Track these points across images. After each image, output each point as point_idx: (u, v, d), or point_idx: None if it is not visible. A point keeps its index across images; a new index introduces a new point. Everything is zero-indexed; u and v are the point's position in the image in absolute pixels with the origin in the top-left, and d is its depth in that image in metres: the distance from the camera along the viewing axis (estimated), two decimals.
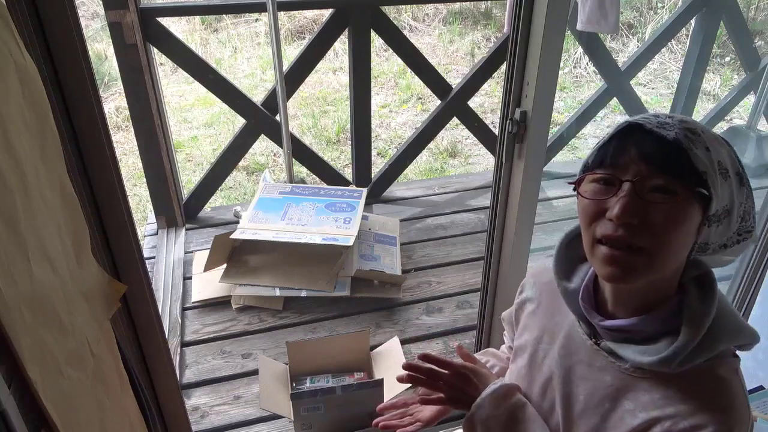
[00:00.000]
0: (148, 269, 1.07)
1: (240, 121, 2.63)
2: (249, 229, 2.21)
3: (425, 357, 0.88)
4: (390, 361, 1.86)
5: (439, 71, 2.81)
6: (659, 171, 0.66)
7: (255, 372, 1.90)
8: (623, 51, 4.97)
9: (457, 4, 5.51)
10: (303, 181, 2.96)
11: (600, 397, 0.75)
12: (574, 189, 0.73)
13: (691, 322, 0.69)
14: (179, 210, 2.62)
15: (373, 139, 2.99)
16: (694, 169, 0.65)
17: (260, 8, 2.34)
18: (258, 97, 2.67)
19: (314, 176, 2.92)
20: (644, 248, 0.67)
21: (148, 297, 1.13)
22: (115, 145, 1.04)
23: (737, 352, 0.75)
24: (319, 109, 4.36)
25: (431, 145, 3.14)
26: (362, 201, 2.41)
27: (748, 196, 0.71)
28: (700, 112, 3.61)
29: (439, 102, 2.85)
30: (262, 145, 3.69)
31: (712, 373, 0.70)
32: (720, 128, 3.58)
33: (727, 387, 0.69)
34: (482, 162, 3.84)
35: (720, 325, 0.70)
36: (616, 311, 0.76)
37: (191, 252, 2.47)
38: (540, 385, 0.85)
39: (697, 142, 0.66)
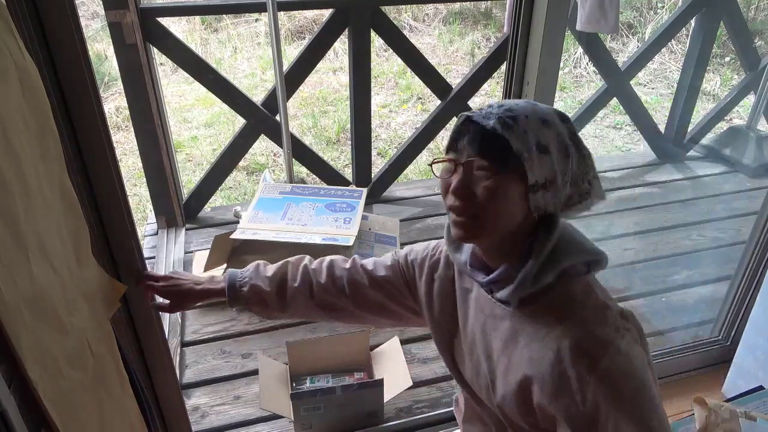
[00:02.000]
0: (149, 269, 1.07)
1: (240, 121, 2.63)
2: (249, 229, 2.21)
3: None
4: (390, 361, 1.86)
5: (439, 71, 2.81)
6: (481, 154, 0.82)
7: (255, 372, 1.90)
8: (623, 51, 4.97)
9: (457, 4, 5.51)
10: (303, 181, 2.96)
11: (505, 341, 0.89)
12: (431, 168, 0.90)
13: (534, 252, 0.84)
14: (179, 210, 2.62)
15: (373, 139, 3.00)
16: (511, 150, 0.79)
17: (260, 8, 2.35)
18: (258, 97, 2.67)
19: (314, 176, 2.92)
20: (477, 215, 0.83)
21: (147, 297, 1.13)
22: (115, 145, 1.04)
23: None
24: (319, 109, 4.36)
25: (431, 145, 3.14)
26: (362, 201, 2.41)
27: (579, 164, 0.85)
28: (700, 112, 3.61)
29: (439, 102, 2.85)
30: (262, 145, 3.70)
31: (565, 293, 0.84)
32: (720, 128, 3.58)
33: (580, 300, 0.84)
34: None
35: (561, 249, 0.84)
36: (493, 266, 0.90)
37: (191, 252, 2.47)
38: (468, 347, 0.99)
39: (515, 127, 0.80)
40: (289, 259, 1.16)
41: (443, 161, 0.87)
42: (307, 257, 1.17)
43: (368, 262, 1.13)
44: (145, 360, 1.22)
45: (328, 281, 1.11)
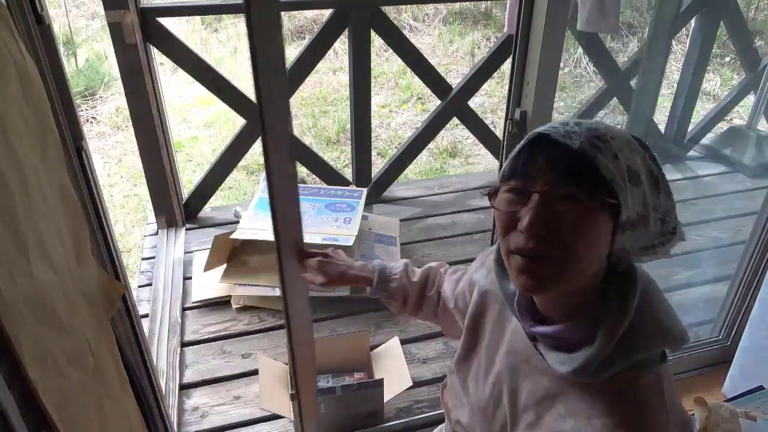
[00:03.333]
0: (148, 269, 1.07)
1: (240, 121, 2.63)
2: (249, 229, 2.21)
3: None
4: (390, 361, 1.86)
5: (439, 71, 2.80)
6: (565, 180, 0.66)
7: (255, 372, 1.90)
8: (623, 51, 4.97)
9: (457, 4, 5.50)
10: (303, 181, 2.96)
11: (538, 397, 0.77)
12: (490, 200, 0.73)
13: (605, 329, 0.68)
14: (179, 210, 2.62)
15: (373, 139, 2.99)
16: (601, 177, 0.64)
17: None
18: None
19: (314, 176, 2.92)
20: (554, 257, 0.67)
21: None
22: (115, 145, 1.04)
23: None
24: (319, 109, 4.36)
25: (431, 145, 3.14)
26: (362, 201, 2.41)
27: (667, 199, 0.71)
28: (700, 112, 3.61)
29: (439, 102, 2.85)
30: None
31: (630, 385, 0.69)
32: (720, 128, 3.58)
33: (643, 402, 0.69)
34: (482, 162, 3.84)
35: (639, 331, 0.69)
36: (547, 316, 0.76)
37: (191, 252, 2.47)
38: (493, 377, 0.87)
39: (605, 149, 0.65)
40: (432, 264, 1.13)
41: (509, 188, 0.71)
42: (446, 266, 1.13)
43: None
44: (145, 360, 1.22)
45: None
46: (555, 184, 0.66)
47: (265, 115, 0.76)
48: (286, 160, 0.90)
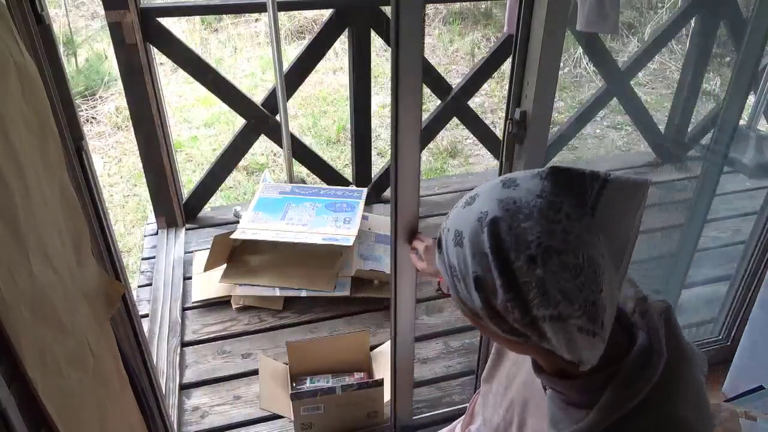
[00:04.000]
0: (148, 269, 1.07)
1: (240, 121, 2.63)
2: (249, 229, 2.21)
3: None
4: (390, 361, 1.86)
5: (439, 71, 2.80)
6: None
7: (255, 372, 1.90)
8: (623, 51, 4.96)
9: (457, 4, 5.50)
10: (303, 181, 2.96)
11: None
12: None
13: (600, 409, 0.63)
14: (179, 210, 2.62)
15: (373, 139, 2.99)
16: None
17: (260, 8, 2.34)
18: (258, 97, 2.67)
19: (314, 176, 2.92)
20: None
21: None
22: (115, 145, 1.04)
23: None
24: (319, 109, 4.36)
25: (431, 145, 3.14)
26: (362, 201, 2.41)
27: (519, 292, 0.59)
28: (700, 112, 3.61)
29: (439, 102, 2.84)
30: (262, 145, 3.69)
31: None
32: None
33: None
34: (482, 162, 3.84)
35: (640, 418, 0.63)
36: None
37: (191, 252, 2.47)
38: (507, 402, 0.86)
39: (443, 258, 0.68)
40: None
41: None
42: None
43: None
44: (145, 360, 1.22)
45: None
46: None
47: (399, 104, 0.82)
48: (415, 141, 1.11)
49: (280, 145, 2.59)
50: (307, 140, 3.91)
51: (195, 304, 2.20)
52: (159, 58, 2.49)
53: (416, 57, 1.06)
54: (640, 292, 0.74)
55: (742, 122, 3.71)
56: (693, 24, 3.17)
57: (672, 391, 0.65)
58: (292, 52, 4.59)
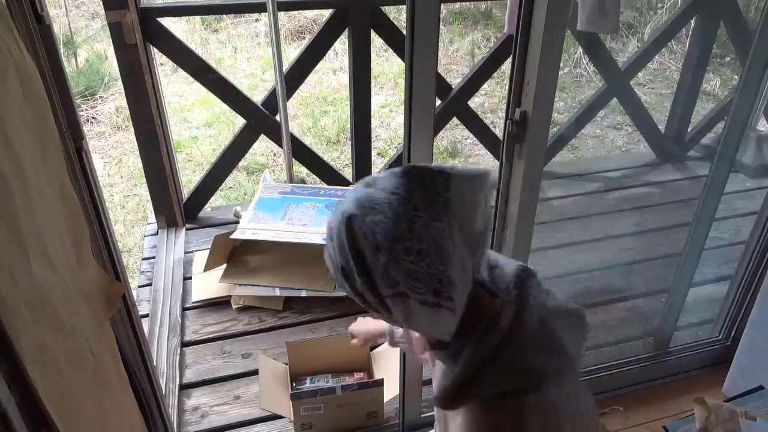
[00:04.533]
0: (148, 269, 1.07)
1: (240, 121, 2.63)
2: (249, 229, 2.21)
3: None
4: (390, 362, 1.86)
5: (439, 71, 2.80)
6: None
7: (255, 372, 1.90)
8: (623, 51, 4.96)
9: (457, 4, 5.50)
10: (303, 181, 2.96)
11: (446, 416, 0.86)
12: None
13: (461, 364, 0.74)
14: (179, 210, 2.62)
15: (373, 139, 2.99)
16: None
17: (260, 8, 2.34)
18: (258, 97, 2.67)
19: (314, 176, 2.92)
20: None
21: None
22: (115, 145, 1.05)
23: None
24: (319, 109, 4.36)
25: None
26: None
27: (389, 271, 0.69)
28: (700, 112, 3.61)
29: (439, 102, 2.85)
30: (262, 145, 3.69)
31: (480, 415, 0.75)
32: (720, 128, 3.58)
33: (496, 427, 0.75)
34: (482, 162, 3.84)
35: (494, 368, 0.73)
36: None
37: (191, 252, 2.47)
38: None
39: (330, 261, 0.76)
40: None
41: None
42: None
43: None
44: (145, 360, 1.22)
45: None
46: None
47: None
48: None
49: (280, 145, 2.59)
50: (307, 140, 3.91)
51: (195, 304, 2.20)
52: (159, 58, 2.49)
53: (430, 58, 1.12)
54: (521, 266, 0.83)
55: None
56: (693, 24, 3.17)
57: (520, 343, 0.75)
58: (292, 52, 4.59)
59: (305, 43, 2.68)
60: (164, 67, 4.46)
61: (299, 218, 2.28)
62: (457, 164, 0.72)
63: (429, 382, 1.88)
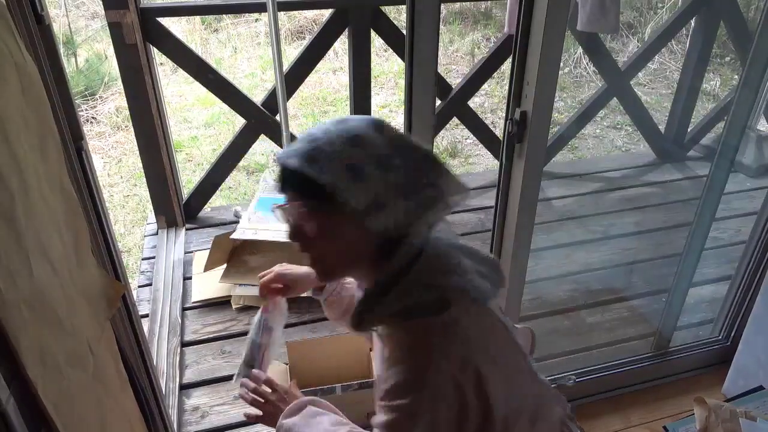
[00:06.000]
0: (148, 269, 1.07)
1: (240, 121, 2.63)
2: (249, 229, 2.21)
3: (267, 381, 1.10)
4: None
5: (439, 71, 2.80)
6: (292, 196, 0.81)
7: None
8: (623, 51, 4.97)
9: (457, 4, 5.50)
10: None
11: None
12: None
13: (369, 287, 0.83)
14: (179, 210, 2.62)
15: None
16: (321, 185, 0.75)
17: (260, 8, 2.34)
18: (258, 97, 2.67)
19: None
20: (312, 258, 0.85)
21: None
22: (115, 145, 1.05)
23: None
24: (319, 109, 4.36)
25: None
26: None
27: (412, 172, 0.79)
28: (700, 112, 3.61)
29: (439, 102, 2.84)
30: (262, 145, 3.69)
31: (401, 331, 0.82)
32: (720, 128, 3.58)
33: (405, 343, 0.81)
34: (482, 162, 3.84)
35: (403, 284, 0.80)
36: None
37: (191, 252, 2.47)
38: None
39: (320, 160, 0.76)
40: None
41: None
42: None
43: None
44: (145, 360, 1.22)
45: None
46: (288, 201, 0.82)
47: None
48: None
49: (280, 145, 2.59)
50: None
51: (195, 304, 2.20)
52: (159, 58, 2.49)
53: (430, 58, 1.13)
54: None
55: None
56: (693, 24, 3.17)
57: (427, 261, 0.82)
58: (292, 52, 4.60)
59: (305, 43, 2.68)
60: (164, 67, 4.46)
61: None
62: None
63: None
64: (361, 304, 0.82)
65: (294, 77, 2.56)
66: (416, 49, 1.10)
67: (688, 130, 3.34)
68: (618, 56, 4.76)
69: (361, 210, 0.76)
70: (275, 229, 2.21)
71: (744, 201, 2.89)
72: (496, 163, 1.39)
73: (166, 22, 2.31)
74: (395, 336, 0.82)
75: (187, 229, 2.64)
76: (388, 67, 4.81)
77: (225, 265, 2.24)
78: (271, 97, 2.55)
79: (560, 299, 2.25)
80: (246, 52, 4.95)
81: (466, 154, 3.94)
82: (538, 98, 1.24)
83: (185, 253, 2.47)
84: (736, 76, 4.62)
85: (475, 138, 3.17)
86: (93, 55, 4.55)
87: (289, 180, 0.80)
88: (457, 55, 5.14)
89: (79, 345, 0.79)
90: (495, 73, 2.91)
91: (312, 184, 0.76)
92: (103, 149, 3.83)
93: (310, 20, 5.10)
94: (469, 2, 5.34)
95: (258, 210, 2.32)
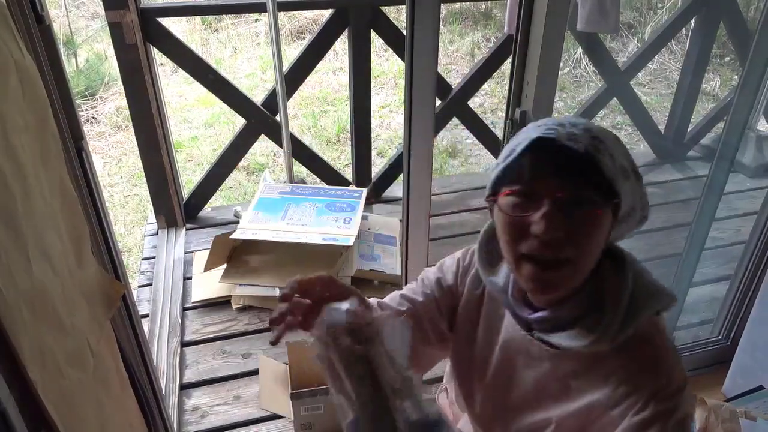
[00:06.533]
0: (148, 269, 1.07)
1: (240, 121, 2.63)
2: (249, 229, 2.21)
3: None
4: None
5: (439, 71, 2.80)
6: (576, 184, 0.69)
7: (255, 372, 1.90)
8: (623, 51, 4.97)
9: (457, 4, 5.50)
10: (303, 181, 2.96)
11: (547, 382, 0.81)
12: (491, 204, 0.76)
13: (613, 300, 0.74)
14: (179, 210, 2.62)
15: (373, 139, 2.99)
16: (605, 177, 0.68)
17: (260, 8, 2.34)
18: (258, 97, 2.67)
19: (314, 176, 2.92)
20: (569, 260, 0.71)
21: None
22: (115, 145, 1.05)
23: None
24: (319, 109, 4.36)
25: None
26: (362, 201, 2.41)
27: (643, 187, 0.76)
28: (700, 112, 3.61)
29: (439, 102, 2.84)
30: (262, 145, 3.69)
31: (639, 338, 0.75)
32: (720, 128, 3.58)
33: (655, 345, 0.76)
34: (482, 162, 3.84)
35: (640, 295, 0.75)
36: (535, 301, 0.80)
37: (191, 252, 2.47)
38: (480, 374, 0.90)
39: (603, 150, 0.69)
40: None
41: (514, 193, 0.71)
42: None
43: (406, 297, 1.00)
44: (145, 360, 1.22)
45: None
46: (567, 189, 0.68)
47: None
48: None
49: (280, 145, 2.59)
50: (307, 140, 3.91)
51: (195, 304, 2.20)
52: (159, 58, 2.49)
53: (430, 58, 1.12)
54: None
55: None
56: (693, 24, 3.17)
57: (644, 272, 0.81)
58: (292, 52, 4.60)
59: (305, 43, 2.68)
60: (164, 67, 4.46)
61: (299, 218, 2.28)
62: None
63: (429, 381, 1.89)
64: (612, 319, 0.74)
65: (294, 77, 2.56)
66: (416, 49, 1.10)
67: (688, 130, 3.34)
68: (618, 56, 4.76)
69: (622, 213, 0.72)
70: (275, 229, 2.21)
71: (744, 201, 2.89)
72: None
73: (166, 22, 2.31)
74: (628, 347, 0.75)
75: (187, 229, 2.64)
76: (388, 67, 4.81)
77: (225, 265, 2.24)
78: (271, 97, 2.55)
79: None
80: (246, 52, 4.95)
81: (466, 154, 3.94)
82: (538, 98, 1.24)
83: (185, 253, 2.47)
84: (736, 76, 4.62)
85: (475, 138, 3.17)
86: (93, 55, 4.55)
87: (573, 166, 0.69)
88: (457, 55, 5.14)
89: (79, 345, 0.79)
90: (495, 73, 2.91)
91: (596, 175, 0.68)
92: (103, 149, 3.83)
93: (310, 20, 5.10)
94: (469, 2, 5.34)
95: (258, 210, 2.33)
